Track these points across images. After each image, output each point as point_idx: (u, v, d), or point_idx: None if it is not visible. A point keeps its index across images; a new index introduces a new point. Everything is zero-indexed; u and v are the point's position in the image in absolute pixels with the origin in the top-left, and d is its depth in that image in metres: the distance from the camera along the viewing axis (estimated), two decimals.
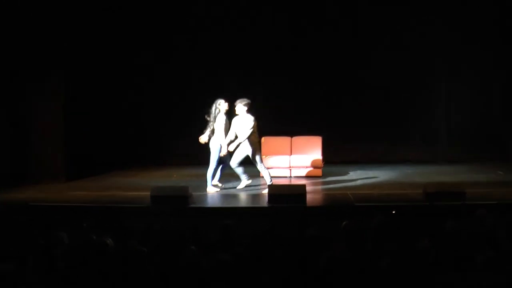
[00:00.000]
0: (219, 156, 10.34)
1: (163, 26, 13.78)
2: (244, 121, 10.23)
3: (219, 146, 10.30)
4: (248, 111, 10.28)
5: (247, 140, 10.23)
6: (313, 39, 13.72)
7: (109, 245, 5.57)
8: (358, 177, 11.90)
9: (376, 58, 13.66)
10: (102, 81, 13.75)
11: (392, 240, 5.74)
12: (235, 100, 10.41)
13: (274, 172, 11.82)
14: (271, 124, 12.96)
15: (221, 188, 10.54)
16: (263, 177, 10.64)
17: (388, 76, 13.76)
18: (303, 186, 9.38)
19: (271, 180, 10.32)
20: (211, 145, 10.39)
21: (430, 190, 8.98)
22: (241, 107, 10.27)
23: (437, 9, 13.47)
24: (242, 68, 13.67)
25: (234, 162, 10.42)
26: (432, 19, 13.55)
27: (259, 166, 10.44)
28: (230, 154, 10.38)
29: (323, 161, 11.99)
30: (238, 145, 10.29)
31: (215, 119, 10.32)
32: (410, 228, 6.49)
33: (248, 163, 10.52)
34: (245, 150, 10.32)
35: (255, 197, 10.09)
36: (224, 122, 10.32)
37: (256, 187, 10.66)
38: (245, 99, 10.30)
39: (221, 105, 10.33)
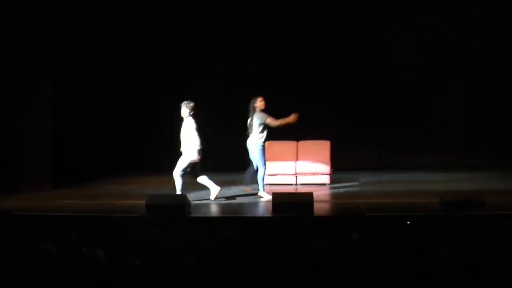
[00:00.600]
0: (262, 156, 10.28)
1: (161, 27, 13.81)
2: (185, 125, 9.99)
3: (261, 146, 10.25)
4: (193, 115, 9.98)
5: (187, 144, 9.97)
6: (322, 40, 13.76)
7: (100, 257, 5.56)
8: (369, 184, 11.90)
9: (387, 62, 13.69)
10: (93, 86, 13.77)
11: (406, 253, 5.72)
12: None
13: (278, 179, 11.82)
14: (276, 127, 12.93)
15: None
16: (267, 184, 10.58)
17: (400, 80, 13.79)
18: (310, 194, 9.36)
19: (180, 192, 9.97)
20: (249, 146, 10.34)
21: (448, 199, 8.96)
22: (184, 110, 10.01)
23: (445, 12, 13.53)
24: (247, 69, 13.68)
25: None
26: (441, 22, 13.61)
27: (176, 172, 10.00)
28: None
29: (331, 168, 11.96)
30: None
31: (252, 118, 10.32)
32: (426, 240, 6.46)
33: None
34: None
35: (258, 206, 10.07)
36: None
37: (258, 196, 10.64)
38: (191, 102, 10.00)
39: (257, 103, 10.35)
